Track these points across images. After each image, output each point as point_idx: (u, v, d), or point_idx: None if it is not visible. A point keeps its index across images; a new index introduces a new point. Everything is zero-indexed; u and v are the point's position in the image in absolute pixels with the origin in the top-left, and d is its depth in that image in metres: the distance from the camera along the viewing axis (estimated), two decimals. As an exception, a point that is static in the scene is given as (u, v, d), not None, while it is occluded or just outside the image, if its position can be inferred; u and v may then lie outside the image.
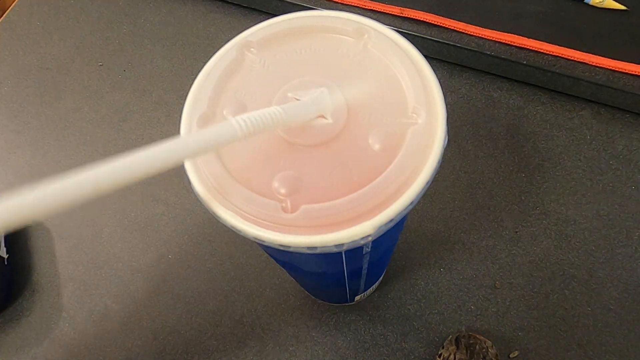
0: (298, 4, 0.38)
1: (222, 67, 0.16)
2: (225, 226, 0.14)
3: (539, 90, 0.36)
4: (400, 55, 0.15)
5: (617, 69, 0.32)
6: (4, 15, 0.46)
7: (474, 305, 0.30)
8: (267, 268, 0.33)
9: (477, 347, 0.27)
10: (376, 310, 0.31)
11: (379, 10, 0.37)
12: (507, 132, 0.35)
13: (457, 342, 0.27)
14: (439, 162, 0.14)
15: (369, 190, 0.13)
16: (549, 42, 0.33)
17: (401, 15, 0.36)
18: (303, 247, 0.13)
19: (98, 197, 0.10)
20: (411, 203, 0.13)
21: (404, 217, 0.14)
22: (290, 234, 0.13)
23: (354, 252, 0.16)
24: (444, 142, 0.14)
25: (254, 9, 0.43)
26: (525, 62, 0.34)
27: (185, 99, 0.16)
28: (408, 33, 0.36)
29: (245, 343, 0.31)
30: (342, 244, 0.13)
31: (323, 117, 0.15)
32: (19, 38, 0.45)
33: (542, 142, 0.34)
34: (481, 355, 0.27)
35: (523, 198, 0.33)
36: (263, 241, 0.14)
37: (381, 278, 0.30)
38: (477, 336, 0.28)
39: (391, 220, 0.13)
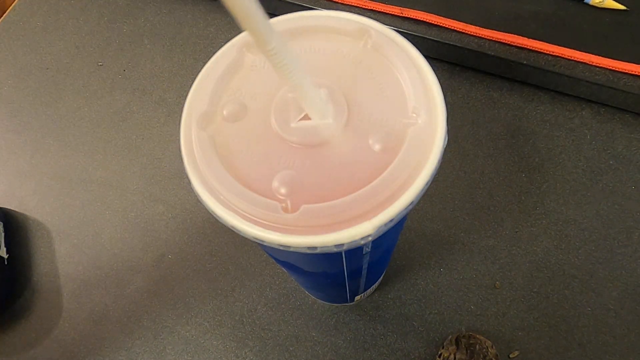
0: (298, 4, 0.38)
1: (222, 67, 0.16)
2: (225, 226, 0.14)
3: (539, 90, 0.36)
4: (400, 55, 0.15)
5: (617, 69, 0.32)
6: (4, 15, 0.46)
7: (474, 305, 0.30)
8: (267, 268, 0.33)
9: (477, 347, 0.27)
10: (376, 310, 0.31)
11: (379, 10, 0.37)
12: (507, 132, 0.35)
13: (457, 342, 0.27)
14: (439, 162, 0.14)
15: (369, 190, 0.13)
16: (549, 42, 0.33)
17: (401, 15, 0.36)
18: (303, 247, 0.13)
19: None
20: (411, 203, 0.13)
21: (404, 217, 0.14)
22: (290, 234, 0.13)
23: (354, 252, 0.16)
24: (444, 142, 0.14)
25: (254, 9, 0.42)
26: (525, 62, 0.34)
27: (185, 99, 0.16)
28: (408, 33, 0.36)
29: (245, 343, 0.31)
30: (342, 244, 0.13)
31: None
32: (19, 38, 0.45)
33: (542, 142, 0.34)
34: (481, 355, 0.27)
35: (523, 198, 0.33)
36: (263, 241, 0.14)
37: (381, 278, 0.30)
38: (477, 336, 0.28)
39: (391, 220, 0.13)
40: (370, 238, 0.13)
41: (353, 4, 0.37)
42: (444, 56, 0.37)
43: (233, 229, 0.14)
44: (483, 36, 0.34)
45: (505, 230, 0.32)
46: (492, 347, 0.27)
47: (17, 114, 0.41)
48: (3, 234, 0.34)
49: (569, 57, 0.33)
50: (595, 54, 0.33)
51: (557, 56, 0.33)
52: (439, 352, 0.28)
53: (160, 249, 0.34)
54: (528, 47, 0.34)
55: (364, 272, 0.21)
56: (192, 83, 0.16)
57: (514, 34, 0.34)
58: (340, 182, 0.14)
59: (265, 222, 0.13)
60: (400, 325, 0.30)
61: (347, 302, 0.30)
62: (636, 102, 0.33)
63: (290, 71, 0.13)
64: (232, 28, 0.42)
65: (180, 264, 0.33)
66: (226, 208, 0.14)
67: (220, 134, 0.15)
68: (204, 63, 0.16)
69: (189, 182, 0.15)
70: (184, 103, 0.16)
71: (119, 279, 0.33)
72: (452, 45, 0.35)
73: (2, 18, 0.46)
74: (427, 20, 0.35)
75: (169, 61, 0.41)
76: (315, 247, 0.13)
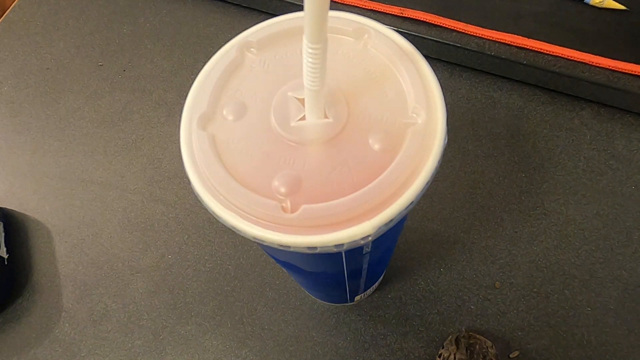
0: (298, 4, 0.38)
1: (222, 67, 0.16)
2: (225, 226, 0.14)
3: (539, 90, 0.36)
4: (400, 55, 0.15)
5: (617, 69, 0.32)
6: (4, 15, 0.46)
7: (474, 305, 0.30)
8: (267, 268, 0.33)
9: (477, 347, 0.27)
10: (376, 310, 0.31)
11: (379, 10, 0.37)
12: (507, 132, 0.35)
13: (457, 342, 0.27)
14: (439, 162, 0.14)
15: (369, 190, 0.13)
16: (549, 42, 0.33)
17: (401, 15, 0.36)
18: (303, 247, 0.13)
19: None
20: (411, 203, 0.13)
21: (404, 217, 0.14)
22: (290, 234, 0.13)
23: (354, 252, 0.16)
24: (444, 142, 0.14)
25: (254, 9, 0.43)
26: (525, 62, 0.34)
27: (185, 99, 0.16)
28: (408, 33, 0.36)
29: (245, 343, 0.31)
30: (342, 244, 0.13)
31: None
32: (19, 38, 0.45)
33: (542, 142, 0.34)
34: (481, 355, 0.27)
35: (523, 198, 0.33)
36: (263, 241, 0.14)
37: (381, 278, 0.30)
38: (477, 336, 0.28)
39: (391, 220, 0.13)
40: (370, 238, 0.13)
41: (353, 4, 0.37)
42: (444, 56, 0.37)
43: (233, 229, 0.14)
44: (483, 36, 0.34)
45: (505, 230, 0.32)
46: (492, 347, 0.27)
47: (17, 114, 0.41)
48: (3, 234, 0.34)
49: (569, 57, 0.33)
50: (595, 54, 0.33)
51: (557, 56, 0.33)
52: (439, 352, 0.28)
53: (160, 249, 0.34)
54: (528, 47, 0.34)
55: (364, 272, 0.21)
56: (192, 83, 0.16)
57: (514, 34, 0.34)
58: (340, 182, 0.14)
59: (265, 222, 0.13)
60: (400, 325, 0.30)
61: (347, 302, 0.30)
62: (636, 102, 0.33)
63: (317, 75, 0.13)
64: (232, 28, 0.42)
65: (180, 264, 0.33)
66: (226, 208, 0.14)
67: (220, 134, 0.15)
68: (204, 63, 0.16)
69: (189, 182, 0.15)
70: (184, 103, 0.16)
71: (119, 279, 0.33)
72: (452, 45, 0.35)
73: (2, 18, 0.46)
74: (427, 20, 0.35)
75: (169, 61, 0.41)
76: (315, 247, 0.13)
